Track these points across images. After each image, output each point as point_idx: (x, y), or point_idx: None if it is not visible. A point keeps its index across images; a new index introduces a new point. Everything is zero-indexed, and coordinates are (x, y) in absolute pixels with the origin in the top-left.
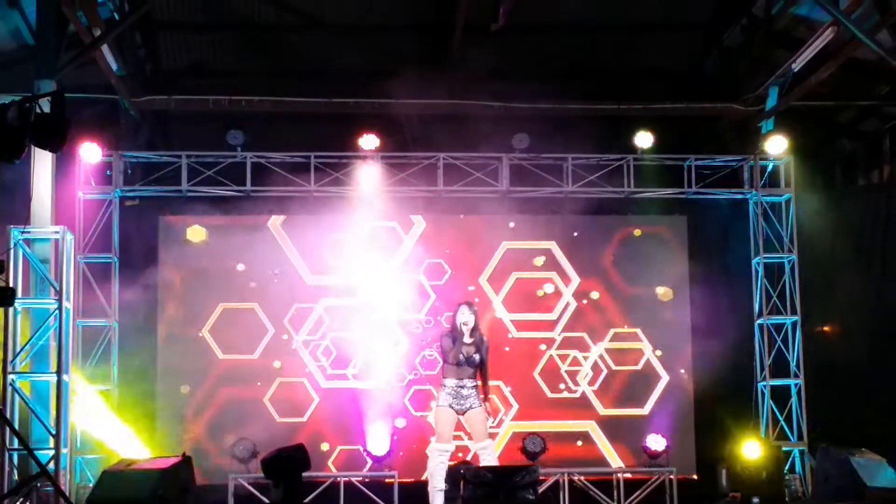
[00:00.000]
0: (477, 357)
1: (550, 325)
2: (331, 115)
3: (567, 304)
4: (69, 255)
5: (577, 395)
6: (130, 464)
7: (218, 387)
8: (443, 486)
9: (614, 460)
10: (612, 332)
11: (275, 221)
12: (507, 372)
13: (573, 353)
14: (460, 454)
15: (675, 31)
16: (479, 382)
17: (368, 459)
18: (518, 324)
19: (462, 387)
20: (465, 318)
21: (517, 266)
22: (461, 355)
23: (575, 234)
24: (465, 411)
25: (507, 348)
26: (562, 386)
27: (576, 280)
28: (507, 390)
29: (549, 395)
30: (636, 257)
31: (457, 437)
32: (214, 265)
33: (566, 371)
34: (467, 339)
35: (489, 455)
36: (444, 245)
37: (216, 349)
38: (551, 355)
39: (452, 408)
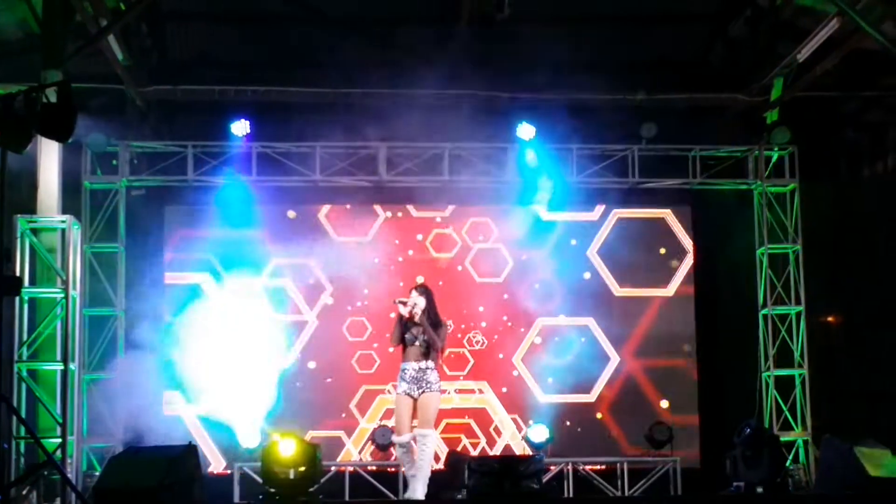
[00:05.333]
0: (426, 338)
1: None
2: (336, 106)
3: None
4: (76, 244)
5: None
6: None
7: None
8: (413, 471)
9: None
10: None
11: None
12: None
13: None
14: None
15: (680, 21)
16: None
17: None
18: None
19: (422, 370)
20: (414, 300)
21: None
22: (408, 335)
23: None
24: (420, 395)
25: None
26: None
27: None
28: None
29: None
30: (640, 248)
31: None
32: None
33: None
34: (415, 321)
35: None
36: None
37: None
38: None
39: (409, 395)
